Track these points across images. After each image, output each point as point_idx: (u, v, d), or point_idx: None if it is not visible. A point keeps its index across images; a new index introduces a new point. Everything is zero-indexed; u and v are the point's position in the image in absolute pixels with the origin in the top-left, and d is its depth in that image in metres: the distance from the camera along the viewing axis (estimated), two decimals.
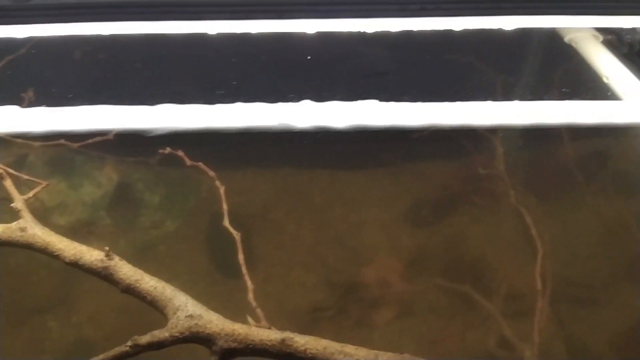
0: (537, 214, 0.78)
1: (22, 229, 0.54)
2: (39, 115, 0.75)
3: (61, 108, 0.75)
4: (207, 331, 0.49)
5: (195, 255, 0.79)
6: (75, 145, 0.78)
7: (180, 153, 0.76)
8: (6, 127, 0.74)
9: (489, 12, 0.82)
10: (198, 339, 0.49)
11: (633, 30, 0.90)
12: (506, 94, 0.91)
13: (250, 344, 0.49)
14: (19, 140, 0.75)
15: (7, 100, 0.79)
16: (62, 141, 0.76)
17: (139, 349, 0.48)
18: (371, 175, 0.89)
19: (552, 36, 0.94)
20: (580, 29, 0.90)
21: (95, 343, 0.70)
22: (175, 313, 0.50)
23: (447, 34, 0.85)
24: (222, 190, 0.70)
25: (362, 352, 0.49)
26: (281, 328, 0.50)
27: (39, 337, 0.70)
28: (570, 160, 0.87)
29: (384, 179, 0.89)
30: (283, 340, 0.49)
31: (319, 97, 0.77)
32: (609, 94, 0.82)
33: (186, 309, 0.50)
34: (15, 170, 0.65)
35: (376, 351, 0.49)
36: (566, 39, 0.92)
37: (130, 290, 0.52)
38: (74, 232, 0.79)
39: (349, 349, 0.49)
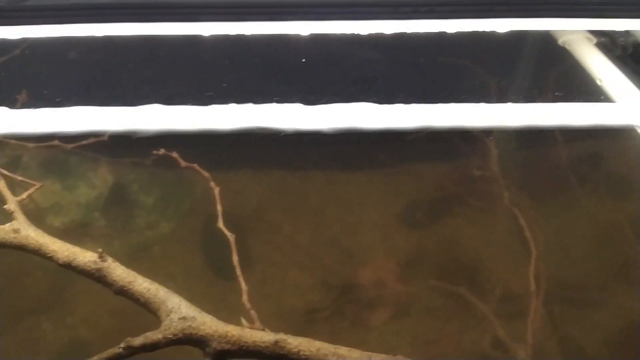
0: (531, 216, 0.79)
1: (16, 231, 0.54)
2: (32, 116, 0.74)
3: (55, 109, 0.75)
4: (200, 333, 0.49)
5: (190, 256, 0.79)
6: (70, 146, 0.78)
7: (174, 154, 0.76)
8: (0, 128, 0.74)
9: (482, 14, 0.82)
10: (191, 340, 0.50)
11: (626, 32, 0.90)
12: (500, 96, 0.91)
13: (244, 346, 0.49)
14: (13, 142, 0.74)
15: (0, 101, 0.79)
16: (56, 142, 0.75)
17: (132, 351, 0.48)
18: (366, 177, 0.89)
19: (546, 38, 0.94)
20: (574, 31, 0.91)
21: (89, 344, 0.70)
22: (168, 315, 0.50)
23: (442, 37, 0.85)
24: (216, 191, 0.70)
25: (355, 353, 0.50)
26: (277, 329, 0.50)
27: (33, 338, 0.70)
28: (564, 162, 0.88)
29: (380, 180, 0.89)
30: (276, 342, 0.49)
31: (313, 99, 0.77)
32: (602, 97, 0.82)
33: (179, 311, 0.50)
34: (10, 171, 0.65)
35: (369, 353, 0.50)
36: (560, 42, 0.92)
37: (123, 292, 0.52)
38: (68, 233, 0.79)
39: (343, 350, 0.49)
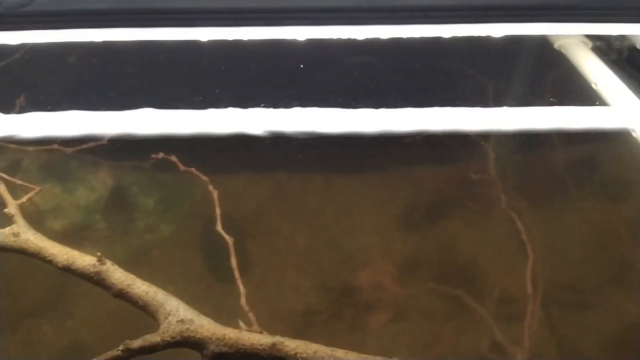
0: (528, 219, 0.79)
1: (16, 234, 0.55)
2: (32, 120, 0.75)
3: (54, 113, 0.76)
4: (198, 336, 0.50)
5: (190, 259, 0.80)
6: (69, 150, 0.78)
7: (173, 158, 0.77)
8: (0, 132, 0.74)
9: (477, 20, 0.83)
10: (189, 343, 0.50)
11: (622, 36, 0.90)
12: (496, 100, 0.91)
13: (241, 348, 0.50)
14: (13, 146, 0.75)
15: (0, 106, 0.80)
16: (55, 146, 0.76)
17: (130, 353, 0.49)
18: (364, 180, 0.90)
19: (542, 42, 0.95)
20: (569, 35, 0.91)
21: (89, 346, 0.70)
22: (166, 318, 0.50)
23: (437, 42, 0.86)
24: (215, 194, 0.70)
25: (351, 356, 0.50)
26: (276, 331, 0.51)
27: (33, 341, 0.70)
28: (560, 166, 0.88)
29: (377, 183, 0.89)
30: (273, 345, 0.49)
31: (310, 103, 0.78)
32: (597, 102, 0.82)
33: (177, 314, 0.50)
34: (10, 174, 0.65)
35: (365, 355, 0.50)
36: (556, 45, 0.93)
37: (122, 295, 0.52)
38: (68, 236, 0.79)
39: (339, 353, 0.50)
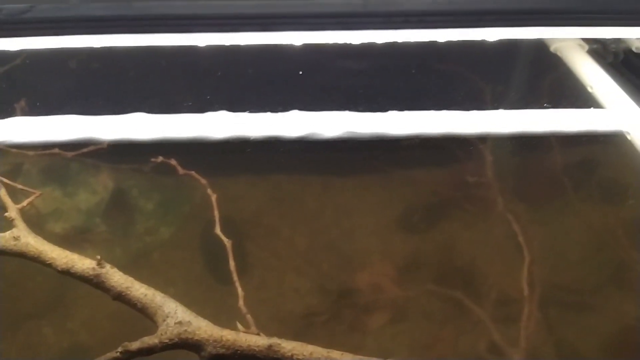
0: (525, 221, 0.79)
1: (16, 238, 0.55)
2: (32, 124, 0.75)
3: (54, 117, 0.76)
4: (196, 337, 0.50)
5: (190, 261, 0.80)
6: (70, 154, 0.79)
7: (172, 162, 0.77)
8: (1, 136, 0.75)
9: (471, 24, 0.83)
10: (187, 345, 0.50)
11: (618, 39, 0.91)
12: (493, 103, 0.92)
13: (238, 350, 0.50)
14: (14, 150, 0.75)
15: (0, 110, 0.80)
16: (56, 150, 0.76)
17: (129, 355, 0.49)
18: (363, 182, 0.90)
19: (539, 46, 0.95)
20: (566, 38, 0.91)
21: (89, 348, 0.71)
22: (164, 320, 0.51)
23: (433, 46, 0.86)
24: (214, 198, 0.70)
25: (347, 357, 0.50)
26: (275, 333, 0.51)
27: (34, 343, 0.71)
28: (556, 168, 0.88)
29: (376, 185, 0.90)
30: (270, 346, 0.50)
31: (307, 106, 0.78)
32: (592, 104, 0.82)
33: (176, 316, 0.51)
34: (11, 178, 0.66)
35: (361, 357, 0.50)
36: (552, 49, 0.93)
37: (121, 298, 0.53)
38: (69, 239, 0.80)
39: (335, 354, 0.50)
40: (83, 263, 0.54)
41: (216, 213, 0.68)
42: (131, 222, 0.84)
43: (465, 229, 0.83)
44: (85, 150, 0.77)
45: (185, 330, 0.50)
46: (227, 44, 0.84)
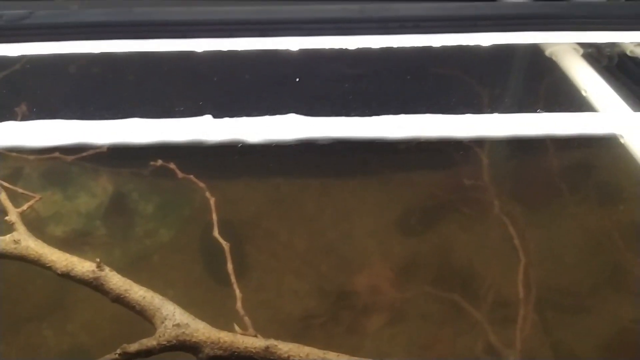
0: (521, 224, 0.80)
1: (16, 242, 0.56)
2: (33, 129, 0.76)
3: (54, 121, 0.77)
4: (193, 339, 0.51)
5: (189, 263, 0.80)
6: (70, 158, 0.79)
7: (172, 165, 0.78)
8: (1, 141, 0.75)
9: (466, 29, 0.84)
10: (185, 347, 0.51)
11: (612, 43, 0.91)
12: (488, 107, 0.92)
13: (235, 352, 0.51)
14: (14, 154, 0.76)
15: (1, 115, 0.81)
16: (56, 154, 0.77)
17: (127, 357, 0.50)
18: (361, 185, 0.90)
19: (534, 50, 0.95)
20: (561, 42, 0.92)
21: (89, 350, 0.71)
22: (163, 322, 0.51)
23: (428, 51, 0.87)
24: (212, 201, 0.71)
25: (344, 358, 0.51)
26: (274, 335, 0.51)
27: (34, 345, 0.71)
28: (552, 171, 0.89)
29: (374, 188, 0.90)
30: (267, 348, 0.50)
31: (305, 110, 0.79)
32: (586, 108, 0.83)
33: (174, 318, 0.51)
34: (12, 182, 0.66)
35: (357, 358, 0.51)
36: (547, 53, 0.93)
37: (120, 300, 0.53)
38: (69, 242, 0.80)
39: (331, 355, 0.51)
40: (82, 266, 0.54)
41: (214, 216, 0.68)
42: (131, 225, 0.85)
43: (462, 231, 0.84)
44: (85, 154, 0.77)
45: (183, 332, 0.51)
46: (225, 49, 0.85)
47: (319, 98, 0.91)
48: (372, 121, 0.77)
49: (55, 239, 0.80)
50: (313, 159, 0.87)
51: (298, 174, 0.91)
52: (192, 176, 0.77)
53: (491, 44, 0.87)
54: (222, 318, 0.54)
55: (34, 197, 0.63)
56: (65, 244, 0.78)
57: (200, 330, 0.51)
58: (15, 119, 0.80)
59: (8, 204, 0.60)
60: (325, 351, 0.51)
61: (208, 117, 0.77)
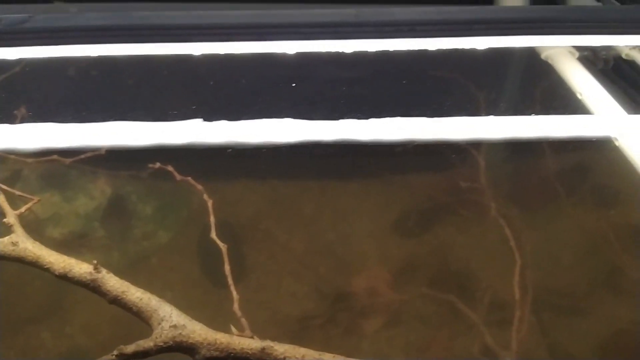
0: (517, 226, 0.80)
1: (14, 243, 0.56)
2: (31, 131, 0.76)
3: (53, 124, 0.77)
4: (190, 340, 0.51)
5: (188, 265, 0.81)
6: (68, 160, 0.80)
7: (169, 168, 0.78)
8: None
9: (461, 33, 0.84)
10: (181, 348, 0.51)
11: (608, 46, 0.92)
12: (485, 110, 0.92)
13: (232, 353, 0.51)
14: (13, 157, 0.76)
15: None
16: (54, 157, 0.77)
17: (124, 358, 0.50)
18: (359, 187, 0.91)
19: (530, 53, 0.95)
20: (556, 46, 0.92)
21: (88, 352, 0.71)
22: (159, 323, 0.52)
23: (424, 54, 0.87)
24: (210, 203, 0.71)
25: (339, 359, 0.51)
26: (271, 336, 0.52)
27: (33, 347, 0.72)
28: (548, 173, 0.89)
29: (372, 190, 0.91)
30: (263, 349, 0.51)
31: (302, 114, 0.79)
32: (580, 112, 0.83)
33: (170, 319, 0.52)
34: (10, 184, 0.67)
35: (353, 359, 0.51)
36: (543, 56, 0.94)
37: (117, 302, 0.54)
38: (67, 244, 0.81)
39: (327, 356, 0.51)
40: (80, 268, 0.55)
41: (212, 219, 0.68)
42: (129, 227, 0.85)
43: (460, 233, 0.84)
44: (83, 156, 0.78)
45: (180, 334, 0.51)
46: (222, 52, 0.86)
47: (316, 101, 0.91)
48: (369, 124, 0.78)
49: (53, 241, 0.80)
50: (311, 161, 0.88)
51: (296, 176, 0.91)
52: (189, 178, 0.77)
53: (487, 47, 0.87)
54: (219, 320, 0.54)
55: (32, 199, 0.64)
56: (64, 246, 0.79)
57: (197, 331, 0.51)
58: (14, 122, 0.81)
59: (6, 206, 0.60)
60: (321, 352, 0.51)
61: (205, 121, 0.78)
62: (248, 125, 0.77)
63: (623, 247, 0.79)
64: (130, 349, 0.50)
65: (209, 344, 0.51)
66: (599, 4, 1.07)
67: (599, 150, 0.81)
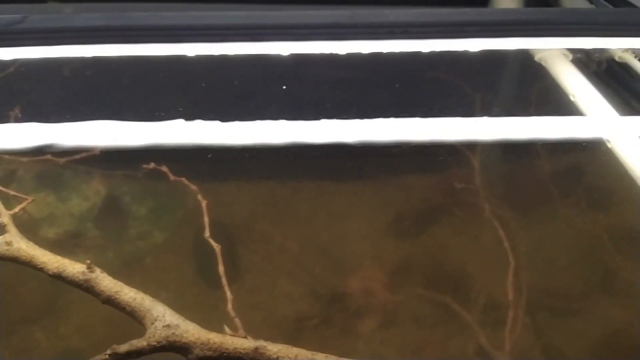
0: (511, 227, 0.80)
1: (8, 243, 0.56)
2: (26, 131, 0.76)
3: (47, 124, 0.77)
4: (183, 340, 0.51)
5: (182, 266, 0.81)
6: (62, 160, 0.80)
7: (164, 168, 0.78)
8: None
9: (454, 35, 0.85)
10: (175, 347, 0.51)
11: (601, 49, 0.92)
12: (479, 111, 0.93)
13: (225, 352, 0.51)
14: (7, 157, 0.76)
15: None
16: (48, 156, 0.77)
17: (117, 358, 0.50)
18: (355, 188, 0.91)
19: (523, 55, 0.96)
20: (550, 48, 0.92)
21: (82, 352, 0.71)
22: (153, 323, 0.52)
23: (417, 56, 0.88)
24: (204, 204, 0.71)
25: (332, 359, 0.51)
26: (267, 337, 0.52)
27: (27, 347, 0.72)
28: (541, 174, 0.89)
29: (367, 191, 0.91)
30: (256, 349, 0.51)
31: (295, 115, 0.79)
32: (573, 114, 0.83)
33: (164, 319, 0.52)
34: (5, 184, 0.67)
35: (346, 359, 0.51)
36: (536, 58, 0.94)
37: (110, 302, 0.54)
38: (62, 244, 0.81)
39: (319, 356, 0.51)
40: (73, 268, 0.55)
41: (206, 219, 0.68)
42: (123, 228, 0.85)
43: (455, 234, 0.84)
44: (77, 156, 0.78)
45: (173, 333, 0.51)
46: (216, 53, 0.86)
47: (310, 102, 0.92)
48: (364, 125, 0.78)
49: (48, 241, 0.80)
50: (306, 162, 0.88)
51: (291, 177, 0.91)
52: (183, 179, 0.77)
53: (480, 49, 0.87)
54: (214, 320, 0.54)
55: (27, 199, 0.64)
56: (58, 246, 0.78)
57: (190, 331, 0.51)
58: (8, 122, 0.81)
59: (0, 206, 0.60)
60: (313, 352, 0.51)
61: (199, 121, 0.78)
62: (243, 126, 0.77)
63: (616, 248, 0.80)
64: (123, 348, 0.50)
65: (202, 343, 0.51)
66: (593, 6, 1.08)
67: (591, 152, 0.81)
